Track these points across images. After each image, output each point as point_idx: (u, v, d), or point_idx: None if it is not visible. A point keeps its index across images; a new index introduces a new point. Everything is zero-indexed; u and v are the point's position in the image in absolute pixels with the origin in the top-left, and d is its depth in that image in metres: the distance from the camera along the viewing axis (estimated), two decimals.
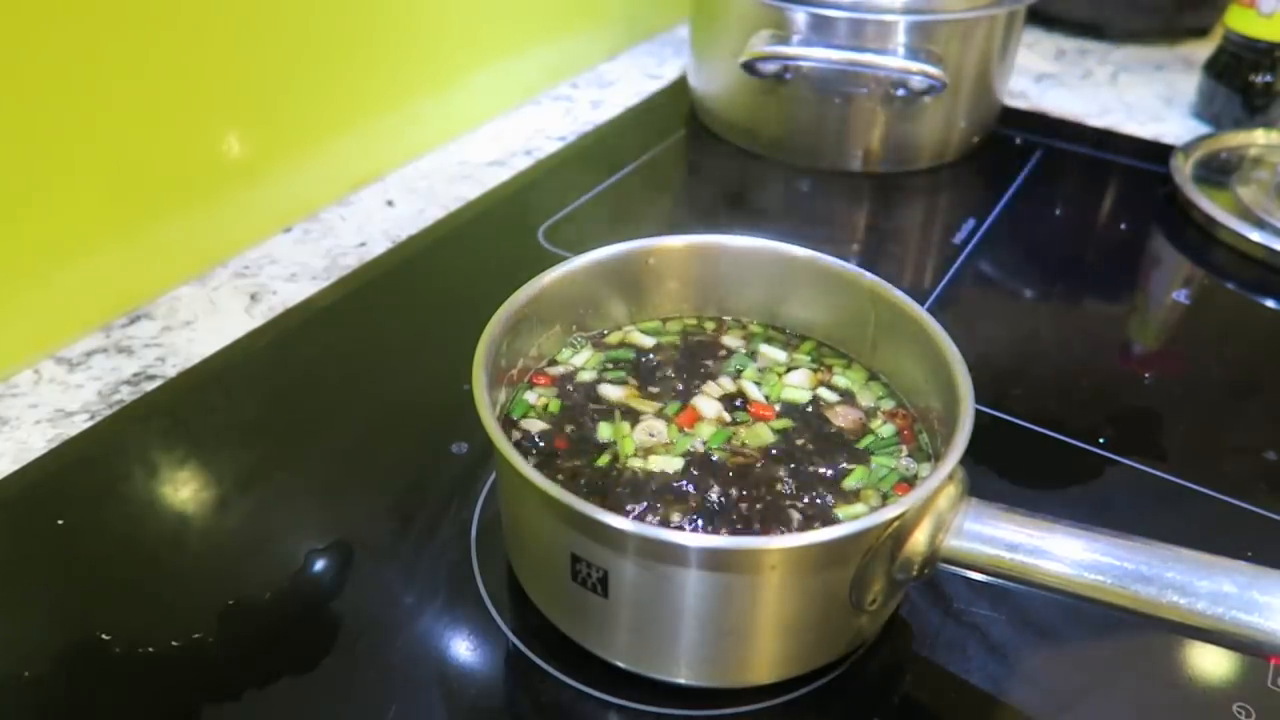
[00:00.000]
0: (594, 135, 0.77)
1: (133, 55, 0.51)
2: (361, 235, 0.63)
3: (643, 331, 0.45)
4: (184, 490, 0.44)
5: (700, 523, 0.35)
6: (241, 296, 0.57)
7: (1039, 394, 0.51)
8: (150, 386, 0.50)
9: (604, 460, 0.38)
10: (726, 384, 0.41)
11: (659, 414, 0.40)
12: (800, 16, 0.66)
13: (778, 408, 0.40)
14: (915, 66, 0.64)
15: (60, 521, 0.42)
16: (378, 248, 0.62)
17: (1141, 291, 0.62)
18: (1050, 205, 0.69)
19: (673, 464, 0.37)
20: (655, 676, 0.35)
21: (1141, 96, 0.86)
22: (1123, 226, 0.67)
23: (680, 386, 0.41)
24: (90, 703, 0.35)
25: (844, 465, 0.38)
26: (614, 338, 0.44)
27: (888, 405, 0.41)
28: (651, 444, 0.38)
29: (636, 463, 0.37)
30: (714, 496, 0.36)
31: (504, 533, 0.40)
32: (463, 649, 0.37)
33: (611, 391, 0.41)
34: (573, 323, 0.44)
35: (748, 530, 0.34)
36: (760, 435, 0.39)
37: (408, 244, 0.62)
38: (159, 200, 0.55)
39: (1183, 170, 0.69)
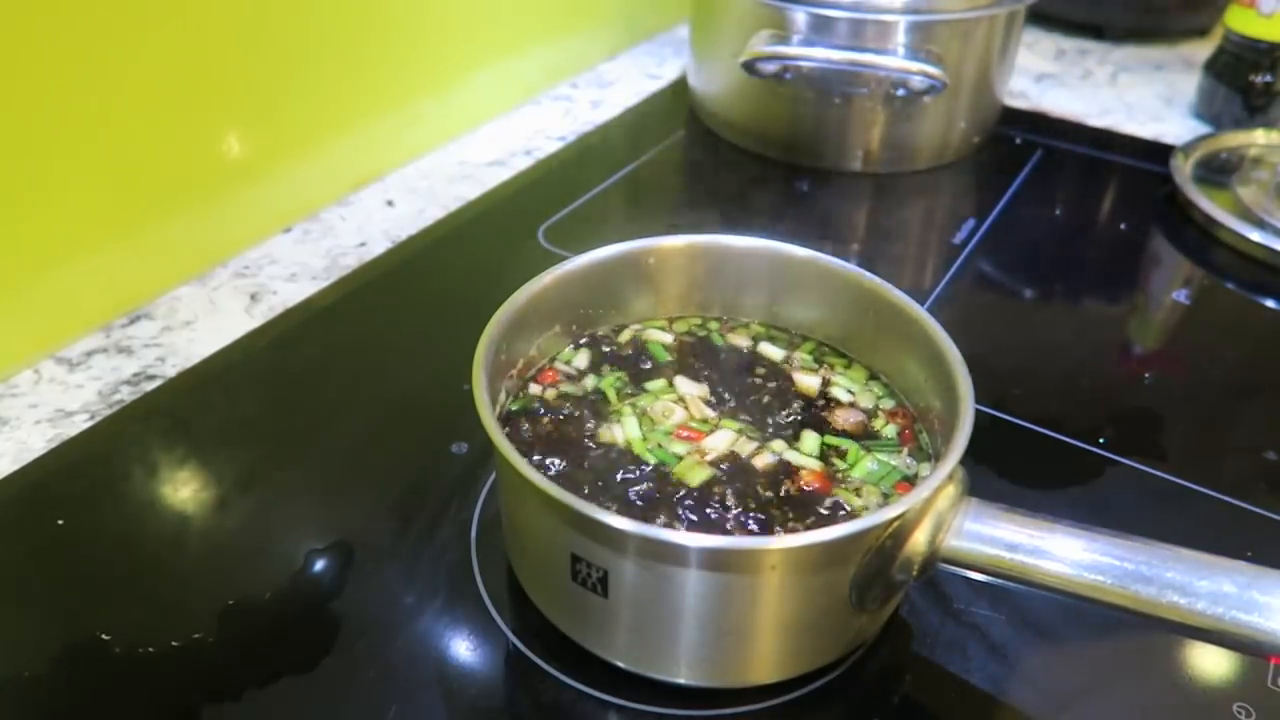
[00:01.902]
0: (594, 135, 0.77)
1: (132, 55, 0.51)
2: (361, 235, 0.63)
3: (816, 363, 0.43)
4: (184, 490, 0.44)
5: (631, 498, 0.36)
6: (241, 296, 0.57)
7: (1039, 394, 0.51)
8: (150, 386, 0.50)
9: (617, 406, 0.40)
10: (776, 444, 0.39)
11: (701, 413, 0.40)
12: (800, 16, 0.66)
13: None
14: (915, 66, 0.64)
15: (60, 521, 0.42)
16: (378, 248, 0.62)
17: (1141, 291, 0.62)
18: (1050, 205, 0.69)
19: (625, 434, 0.38)
20: (655, 676, 0.35)
21: (1141, 96, 0.86)
22: (1123, 226, 0.67)
23: (747, 413, 0.40)
24: (90, 703, 0.35)
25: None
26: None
27: (888, 405, 0.41)
28: (656, 416, 0.39)
29: (625, 409, 0.40)
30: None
31: (504, 533, 0.40)
32: (463, 649, 0.37)
33: (689, 387, 0.41)
34: (573, 323, 0.44)
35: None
36: (695, 475, 0.37)
37: (408, 244, 0.62)
38: (159, 200, 0.55)
39: (1183, 170, 0.69)
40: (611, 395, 0.41)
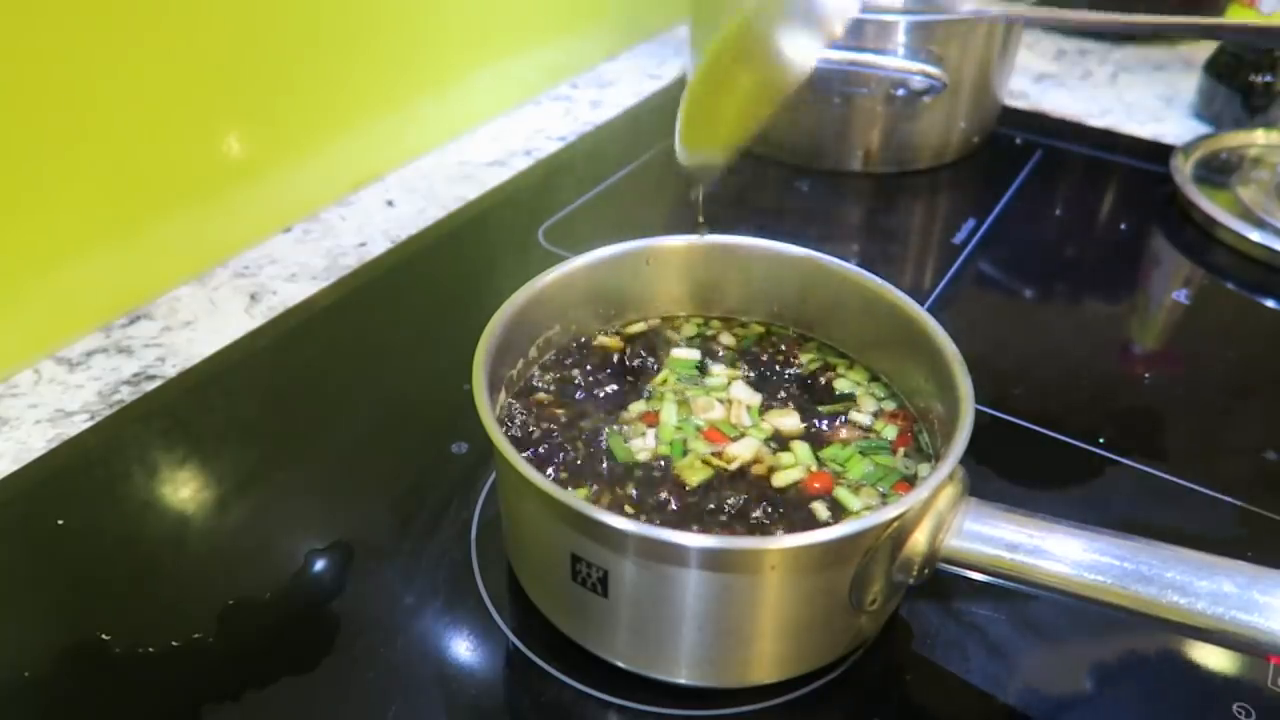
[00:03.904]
0: (594, 135, 0.77)
1: (133, 55, 0.51)
2: (361, 235, 0.63)
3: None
4: (184, 490, 0.44)
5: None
6: (241, 296, 0.57)
7: (1039, 394, 0.51)
8: (150, 386, 0.50)
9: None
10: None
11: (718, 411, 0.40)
12: None
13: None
14: (915, 66, 0.64)
15: (60, 521, 0.42)
16: (378, 248, 0.62)
17: (1141, 291, 0.62)
18: (1050, 205, 0.69)
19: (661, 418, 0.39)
20: (655, 676, 0.35)
21: (1141, 96, 0.86)
22: (1123, 226, 0.67)
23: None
24: (90, 703, 0.35)
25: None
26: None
27: (889, 407, 0.41)
28: (696, 408, 0.40)
29: (668, 394, 0.41)
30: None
31: (504, 533, 0.40)
32: (463, 649, 0.37)
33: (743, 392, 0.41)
34: (573, 323, 0.44)
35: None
36: (693, 473, 0.37)
37: (408, 244, 0.62)
38: (159, 200, 0.55)
39: (1183, 170, 0.69)
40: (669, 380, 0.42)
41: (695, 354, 0.44)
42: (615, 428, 0.39)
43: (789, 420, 0.40)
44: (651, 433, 0.39)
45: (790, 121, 0.71)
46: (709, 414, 0.40)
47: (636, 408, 0.40)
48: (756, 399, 0.41)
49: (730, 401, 0.41)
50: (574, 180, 0.70)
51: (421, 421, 0.48)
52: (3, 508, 0.43)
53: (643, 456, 0.38)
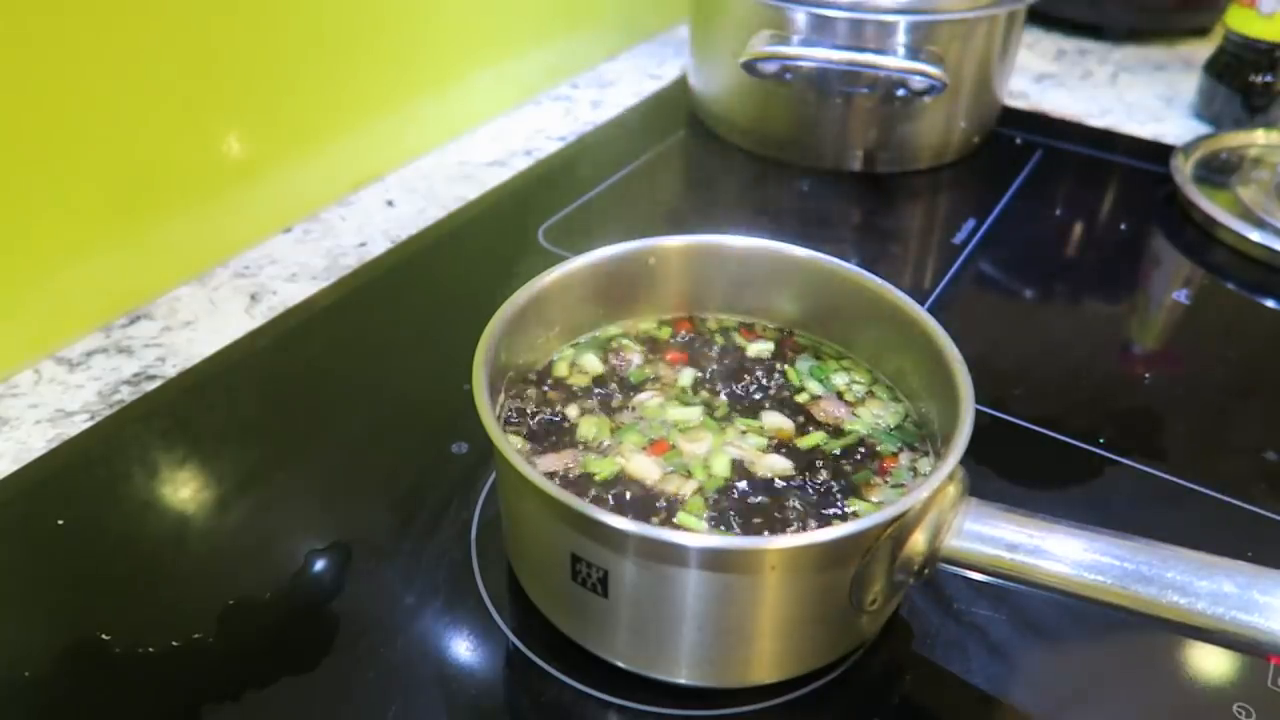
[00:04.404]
0: (594, 135, 0.77)
1: (133, 55, 0.51)
2: (361, 235, 0.63)
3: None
4: (184, 490, 0.44)
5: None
6: (241, 296, 0.57)
7: (1039, 394, 0.51)
8: (150, 386, 0.50)
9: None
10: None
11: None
12: (800, 16, 0.66)
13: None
14: (915, 66, 0.64)
15: (60, 521, 0.42)
16: (378, 248, 0.62)
17: (1141, 291, 0.62)
18: (1050, 205, 0.69)
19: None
20: (655, 676, 0.35)
21: (1141, 96, 0.86)
22: (1123, 226, 0.67)
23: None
24: (90, 703, 0.35)
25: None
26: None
27: (893, 407, 0.41)
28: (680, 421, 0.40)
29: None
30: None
31: (504, 533, 0.40)
32: (463, 649, 0.37)
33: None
34: (573, 323, 0.44)
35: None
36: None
37: (408, 244, 0.62)
38: (159, 200, 0.55)
39: (1183, 170, 0.69)
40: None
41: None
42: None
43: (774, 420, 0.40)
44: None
45: (790, 121, 0.71)
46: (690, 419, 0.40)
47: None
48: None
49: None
50: (574, 180, 0.70)
51: (421, 421, 0.48)
52: (3, 508, 0.43)
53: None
